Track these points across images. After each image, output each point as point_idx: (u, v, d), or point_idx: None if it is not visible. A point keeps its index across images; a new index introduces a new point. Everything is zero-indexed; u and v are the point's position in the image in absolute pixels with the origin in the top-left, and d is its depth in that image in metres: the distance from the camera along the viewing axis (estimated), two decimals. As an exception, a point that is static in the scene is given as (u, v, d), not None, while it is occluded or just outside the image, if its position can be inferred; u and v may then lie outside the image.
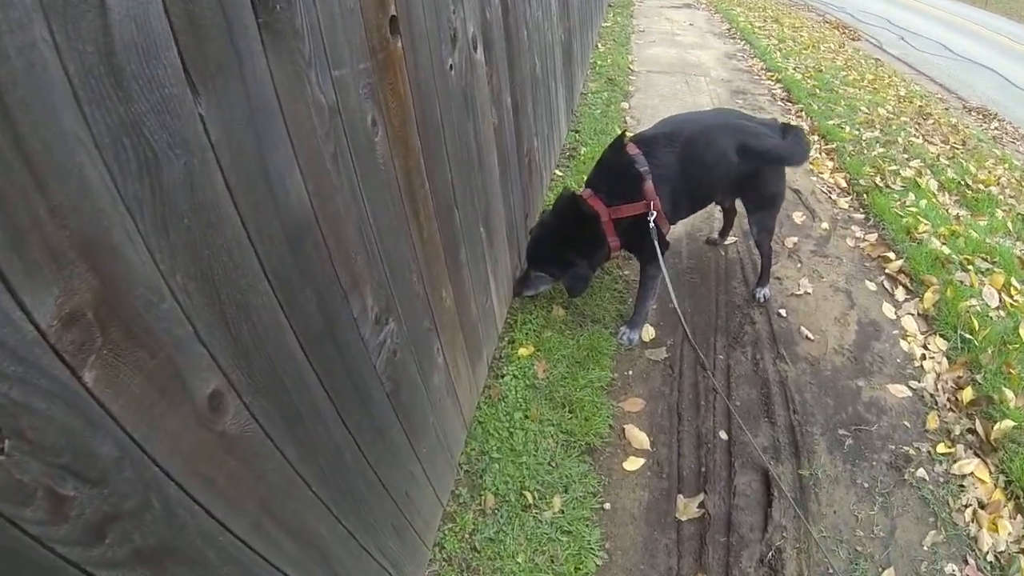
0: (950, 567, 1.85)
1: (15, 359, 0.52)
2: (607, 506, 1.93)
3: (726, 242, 3.21)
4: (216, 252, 0.75)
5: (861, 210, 3.69)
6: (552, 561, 1.74)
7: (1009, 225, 3.65)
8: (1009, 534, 1.95)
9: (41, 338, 0.54)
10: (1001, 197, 4.04)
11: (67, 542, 0.59)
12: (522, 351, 2.36)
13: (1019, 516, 2.02)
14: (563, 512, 1.87)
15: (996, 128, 6.57)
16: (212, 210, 0.74)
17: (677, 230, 3.28)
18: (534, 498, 1.88)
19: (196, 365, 0.73)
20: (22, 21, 0.50)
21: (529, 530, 1.81)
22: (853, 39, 9.45)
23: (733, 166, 2.31)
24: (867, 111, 5.19)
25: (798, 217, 3.55)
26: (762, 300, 2.80)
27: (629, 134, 2.32)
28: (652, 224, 2.16)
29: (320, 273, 0.99)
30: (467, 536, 1.79)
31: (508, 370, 2.28)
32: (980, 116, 6.84)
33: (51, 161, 0.54)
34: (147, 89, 0.62)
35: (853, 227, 3.50)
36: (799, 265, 3.12)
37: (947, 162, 4.43)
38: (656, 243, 2.19)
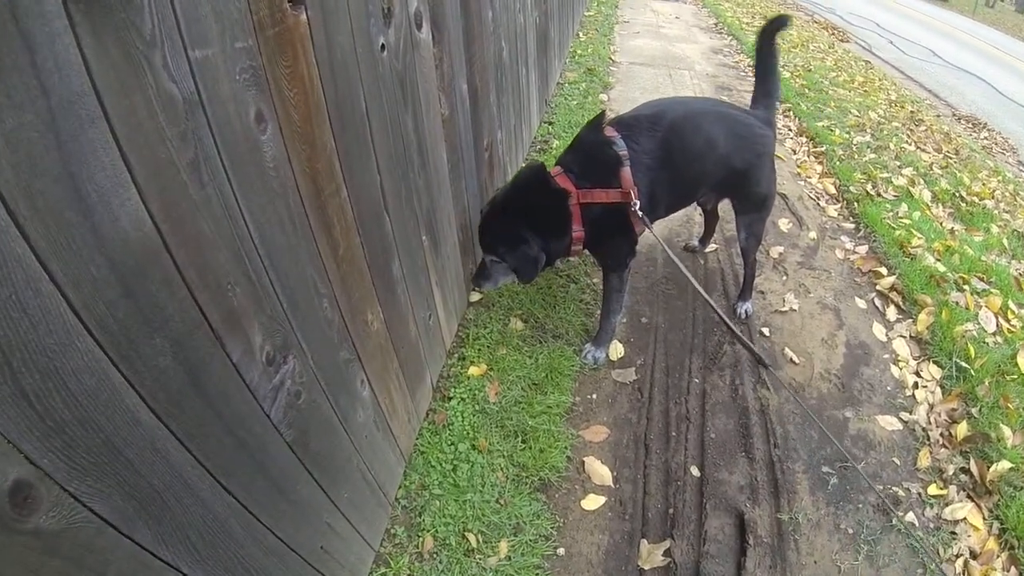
0: None
1: None
2: (561, 551, 1.74)
3: (707, 250, 3.03)
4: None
5: (851, 219, 3.55)
6: (496, 619, 1.54)
7: (1005, 242, 3.53)
8: None
9: None
10: (996, 212, 3.93)
11: None
12: (473, 370, 2.15)
13: (1013, 568, 1.88)
14: (510, 559, 1.67)
15: (986, 138, 6.53)
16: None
17: (650, 235, 3.10)
18: (478, 541, 1.68)
19: None
20: None
21: (471, 580, 1.60)
22: (842, 40, 9.39)
23: (722, 159, 2.13)
24: (858, 114, 5.06)
25: (784, 224, 3.39)
26: (743, 317, 2.62)
27: (611, 115, 2.11)
28: (639, 212, 1.92)
29: (176, 315, 0.78)
30: (401, 585, 1.58)
31: (456, 392, 2.06)
32: (970, 125, 6.80)
33: None
34: None
35: (843, 237, 3.35)
36: (784, 278, 2.96)
37: (940, 172, 4.32)
38: (627, 243, 2.06)
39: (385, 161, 1.41)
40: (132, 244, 0.69)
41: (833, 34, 9.61)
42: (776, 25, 2.31)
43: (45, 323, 0.60)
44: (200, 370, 0.82)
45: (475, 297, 2.46)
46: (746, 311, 2.62)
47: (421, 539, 1.68)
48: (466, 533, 1.70)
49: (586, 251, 2.18)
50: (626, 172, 1.94)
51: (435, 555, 1.66)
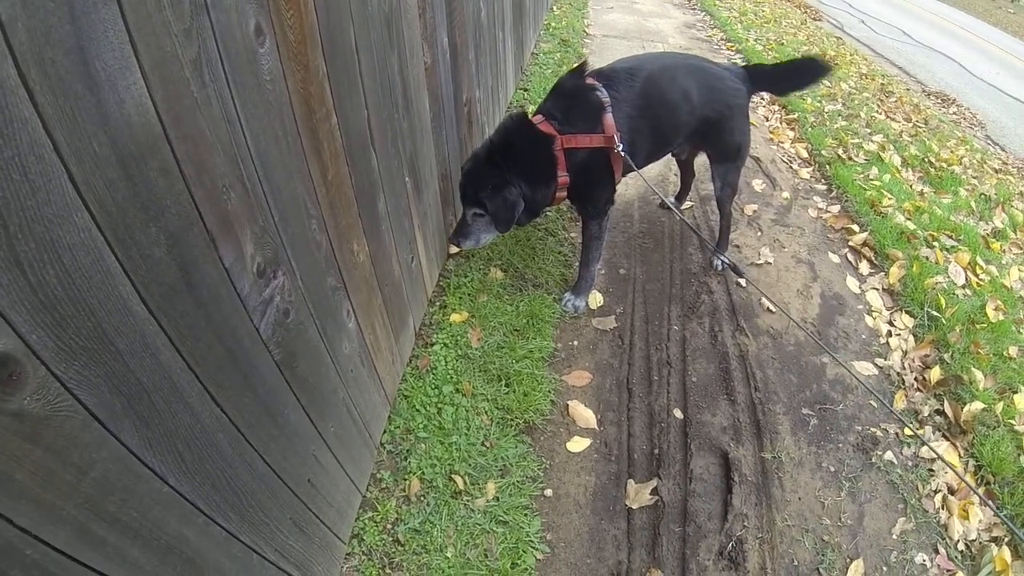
0: (920, 557, 1.77)
1: None
2: (548, 492, 1.77)
3: (683, 206, 3.07)
4: (2, 166, 0.55)
5: (823, 181, 3.62)
6: (486, 555, 1.57)
7: (972, 204, 3.63)
8: (980, 522, 1.90)
9: None
10: (964, 177, 4.02)
11: None
12: (455, 317, 2.16)
13: (990, 501, 1.95)
14: (498, 499, 1.69)
15: (955, 113, 6.67)
16: None
17: (629, 192, 3.13)
18: (465, 483, 1.70)
19: None
20: None
21: (459, 520, 1.63)
22: (815, 19, 9.51)
23: (696, 110, 2.17)
24: (829, 85, 5.13)
25: (758, 185, 3.44)
26: (719, 268, 2.67)
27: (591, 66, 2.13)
28: (622, 153, 1.96)
29: (172, 208, 0.77)
30: (389, 527, 1.60)
31: (438, 338, 2.08)
32: (939, 100, 6.93)
33: None
34: None
35: (815, 198, 3.42)
36: (759, 234, 3.01)
37: (910, 139, 4.41)
38: (608, 189, 2.09)
39: (372, 97, 1.42)
40: (134, 128, 0.69)
41: (806, 12, 9.72)
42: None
43: (45, 191, 0.59)
44: (193, 269, 0.82)
45: (455, 249, 2.47)
46: (723, 262, 2.66)
47: (408, 482, 1.69)
48: (453, 475, 1.71)
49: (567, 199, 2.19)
50: (608, 117, 1.97)
51: (422, 498, 1.67)
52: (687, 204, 3.08)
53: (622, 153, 1.96)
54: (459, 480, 1.70)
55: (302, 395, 1.18)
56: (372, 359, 1.57)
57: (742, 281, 2.64)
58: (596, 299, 2.43)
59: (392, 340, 1.75)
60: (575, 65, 2.08)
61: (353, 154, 1.33)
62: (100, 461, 0.71)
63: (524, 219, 2.09)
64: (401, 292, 1.80)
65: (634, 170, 2.04)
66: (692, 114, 2.18)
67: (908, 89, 6.56)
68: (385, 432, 1.78)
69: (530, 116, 2.02)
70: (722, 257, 2.57)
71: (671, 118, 2.17)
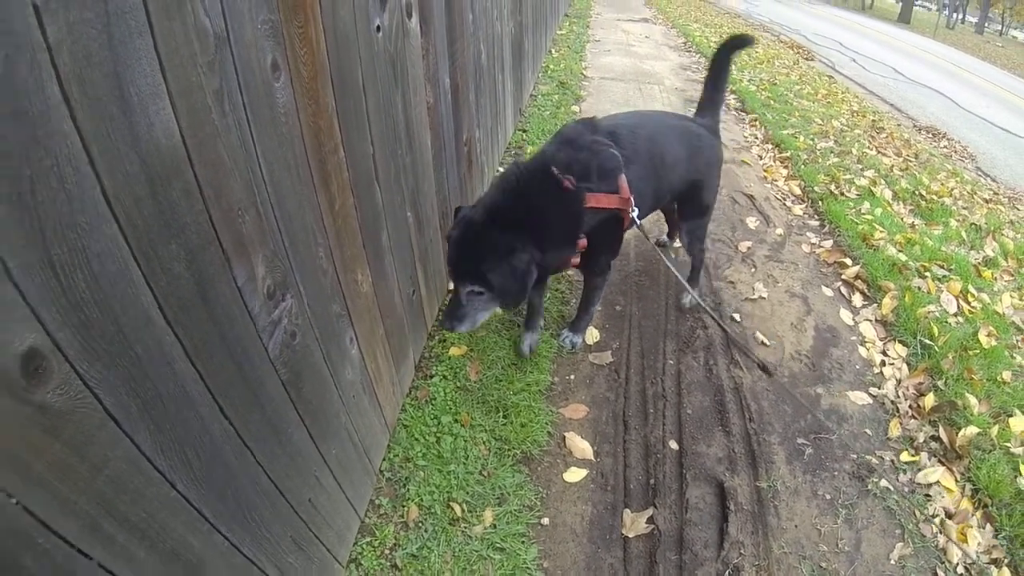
0: None
1: None
2: (545, 521, 1.80)
3: (675, 244, 3.14)
4: (42, 174, 0.61)
5: (816, 217, 3.71)
6: (483, 583, 1.59)
7: (963, 234, 3.71)
8: (979, 544, 1.92)
9: None
10: (954, 208, 4.13)
11: None
12: (454, 351, 2.22)
13: (988, 525, 1.99)
14: (495, 527, 1.72)
15: (945, 146, 6.84)
16: (41, 122, 0.60)
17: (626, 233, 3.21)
18: (463, 511, 1.74)
19: (6, 314, 0.59)
20: None
21: (457, 546, 1.66)
22: (807, 59, 9.78)
23: (687, 171, 2.25)
24: (821, 123, 5.29)
25: (752, 223, 3.53)
26: (687, 305, 2.71)
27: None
28: (636, 219, 1.86)
29: (192, 227, 0.85)
30: (387, 552, 1.63)
31: (437, 370, 2.13)
32: (930, 135, 7.12)
33: None
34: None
35: (808, 233, 3.50)
36: (753, 270, 3.08)
37: (900, 173, 4.52)
38: (617, 249, 2.11)
39: (377, 133, 1.51)
40: (162, 151, 0.77)
41: (798, 52, 10.00)
42: (738, 42, 2.44)
43: (80, 201, 0.66)
44: (208, 286, 0.89)
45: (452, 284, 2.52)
46: (690, 300, 2.69)
47: (406, 508, 1.73)
48: (451, 503, 1.75)
49: None
50: (623, 179, 1.86)
51: (420, 524, 1.71)
52: (677, 243, 3.15)
53: (635, 217, 1.86)
54: (457, 507, 1.74)
55: (306, 416, 1.24)
56: (373, 387, 1.63)
57: (736, 316, 2.70)
58: (592, 335, 2.49)
59: (393, 370, 1.81)
60: (584, 118, 2.03)
61: (359, 187, 1.41)
62: (114, 460, 0.75)
63: (532, 292, 1.95)
64: (402, 323, 1.86)
65: (644, 233, 1.97)
66: (683, 175, 2.24)
67: (899, 125, 6.73)
68: (384, 460, 1.83)
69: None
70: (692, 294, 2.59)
71: (669, 178, 2.18)
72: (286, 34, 1.03)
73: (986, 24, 39.60)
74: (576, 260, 1.96)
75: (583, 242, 1.89)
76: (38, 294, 0.62)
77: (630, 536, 1.80)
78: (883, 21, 21.79)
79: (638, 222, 1.88)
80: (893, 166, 4.64)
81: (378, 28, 1.46)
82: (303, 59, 1.10)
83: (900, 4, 33.21)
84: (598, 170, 1.84)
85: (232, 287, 0.94)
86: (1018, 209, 5.35)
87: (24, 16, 0.57)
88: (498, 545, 1.68)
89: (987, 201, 4.71)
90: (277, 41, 1.01)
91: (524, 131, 4.20)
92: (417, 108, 1.83)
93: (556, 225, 1.81)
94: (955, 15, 39.97)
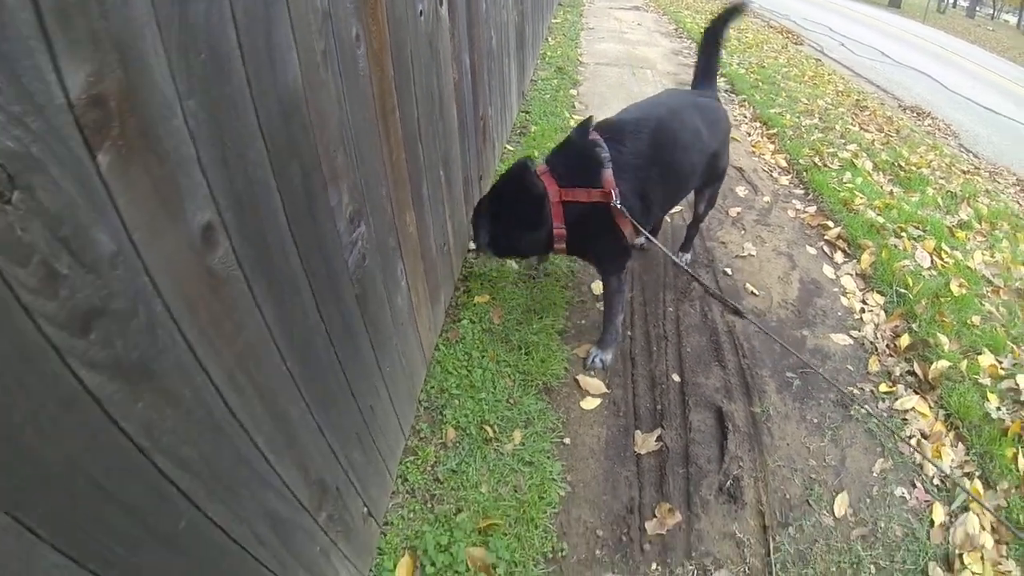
0: (900, 490, 2.04)
1: (41, 117, 0.58)
2: (567, 441, 2.05)
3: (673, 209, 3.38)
4: (223, 97, 0.85)
5: (801, 186, 3.98)
6: (515, 491, 1.85)
7: (939, 201, 3.99)
8: (952, 460, 2.17)
9: (68, 107, 0.60)
10: (932, 178, 4.40)
11: (54, 321, 0.61)
12: (478, 299, 2.48)
13: (960, 444, 2.25)
14: (524, 445, 1.98)
15: (929, 124, 7.11)
16: (225, 59, 0.84)
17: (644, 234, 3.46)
18: (495, 432, 1.99)
19: (195, 191, 0.81)
20: None
21: (491, 462, 1.91)
22: (796, 43, 10.01)
23: (705, 146, 2.33)
24: (807, 102, 5.56)
25: (741, 192, 3.80)
26: (685, 263, 2.93)
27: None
28: (619, 206, 1.99)
29: (306, 153, 1.09)
30: (430, 468, 1.88)
31: (464, 315, 2.40)
32: (915, 114, 7.38)
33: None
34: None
35: (794, 200, 3.77)
36: (743, 232, 3.35)
37: (882, 147, 4.79)
38: (617, 245, 2.16)
39: (421, 100, 1.77)
40: (291, 91, 1.01)
41: (788, 37, 10.24)
42: (731, 12, 2.55)
43: (243, 121, 0.89)
44: (313, 200, 1.13)
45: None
46: (687, 260, 2.99)
47: (444, 431, 1.98)
48: (484, 425, 2.00)
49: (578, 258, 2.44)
50: (608, 173, 2.01)
51: (458, 444, 1.96)
52: (677, 208, 3.36)
53: (619, 206, 1.99)
54: (489, 429, 1.99)
55: (370, 328, 1.48)
56: (415, 319, 1.89)
57: (728, 271, 2.97)
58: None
59: (430, 308, 2.07)
60: (583, 121, 2.15)
61: (408, 143, 1.68)
62: (249, 327, 0.94)
63: (515, 253, 2.35)
64: (436, 268, 2.13)
65: (628, 217, 2.04)
66: (702, 152, 2.31)
67: (883, 104, 6.99)
68: (422, 391, 2.08)
69: (536, 165, 2.13)
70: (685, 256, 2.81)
71: (686, 161, 2.26)
72: (363, 13, 1.29)
73: (977, 8, 39.75)
74: (560, 246, 2.14)
75: (559, 231, 2.09)
76: (216, 181, 0.84)
77: (642, 453, 2.05)
78: (873, 6, 22.03)
79: (622, 208, 1.99)
80: (874, 140, 4.91)
81: (420, 13, 1.72)
82: (373, 33, 1.36)
83: (891, -11, 33.31)
84: (582, 169, 2.05)
85: (328, 206, 1.19)
86: (998, 181, 5.64)
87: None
88: (527, 460, 1.93)
89: (965, 172, 4.99)
90: (359, 18, 1.27)
91: (527, 112, 4.47)
92: (447, 83, 2.09)
93: (513, 212, 2.13)
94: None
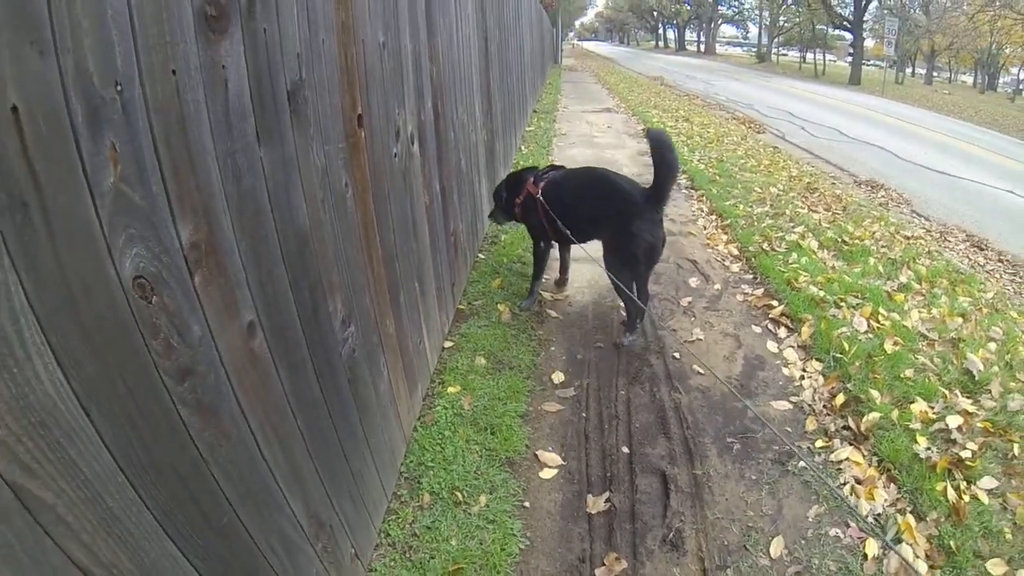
0: (834, 531, 2.27)
1: (167, 254, 1.03)
2: (527, 504, 2.42)
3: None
4: (260, 238, 1.34)
5: (750, 272, 4.51)
6: (481, 544, 2.21)
7: (880, 268, 4.49)
8: (885, 500, 2.40)
9: (180, 248, 1.08)
10: (874, 248, 4.94)
11: (167, 373, 1.03)
12: (451, 389, 2.95)
13: (892, 485, 2.48)
14: (489, 507, 2.36)
15: (883, 196, 7.74)
16: (263, 213, 1.35)
17: (584, 298, 3.96)
18: (464, 496, 2.38)
19: (244, 300, 1.29)
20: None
21: (460, 521, 2.29)
22: (758, 132, 10.89)
23: (598, 211, 3.37)
24: (760, 191, 6.18)
25: (694, 282, 4.33)
26: (624, 345, 3.44)
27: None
28: (539, 198, 3.46)
29: (312, 273, 1.59)
30: (408, 525, 2.26)
31: (439, 402, 2.85)
32: (870, 188, 8.05)
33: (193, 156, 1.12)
34: (240, 140, 1.25)
35: (743, 285, 4.28)
36: (693, 319, 3.83)
37: (828, 225, 5.37)
38: (537, 225, 3.62)
39: (396, 226, 2.31)
40: (302, 229, 1.52)
41: (749, 127, 11.13)
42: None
43: (272, 252, 1.38)
44: (317, 307, 1.61)
45: (448, 344, 3.26)
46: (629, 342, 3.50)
47: (421, 496, 2.37)
48: (455, 491, 2.40)
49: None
50: (531, 182, 3.58)
51: (432, 506, 2.34)
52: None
53: (540, 199, 3.45)
54: (459, 494, 2.38)
55: (359, 406, 1.92)
56: (396, 402, 2.34)
57: (676, 355, 3.39)
58: (558, 377, 3.18)
59: (408, 396, 2.52)
60: (549, 165, 3.87)
61: (387, 261, 2.19)
62: (273, 393, 1.37)
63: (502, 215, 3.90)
64: (414, 363, 2.60)
65: (540, 199, 3.49)
66: (593, 213, 3.38)
67: (833, 183, 7.63)
68: (402, 464, 2.49)
69: (533, 172, 3.72)
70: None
71: (580, 208, 3.39)
72: (351, 165, 1.83)
73: (935, 74, 41.59)
74: (518, 212, 3.72)
75: (518, 202, 3.64)
76: (256, 293, 1.31)
77: (593, 512, 2.40)
78: (834, 86, 23.54)
79: (540, 199, 3.46)
80: (821, 220, 5.49)
81: (395, 154, 2.29)
82: (358, 179, 1.90)
83: (851, 67, 34.85)
84: (529, 180, 3.61)
85: (327, 311, 1.69)
86: (948, 240, 6.14)
87: (255, 159, 1.29)
88: (491, 519, 2.31)
89: (908, 238, 5.52)
90: (347, 169, 1.81)
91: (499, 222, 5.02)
92: (419, 207, 2.64)
93: (514, 188, 3.70)
94: (904, 70, 41.75)
